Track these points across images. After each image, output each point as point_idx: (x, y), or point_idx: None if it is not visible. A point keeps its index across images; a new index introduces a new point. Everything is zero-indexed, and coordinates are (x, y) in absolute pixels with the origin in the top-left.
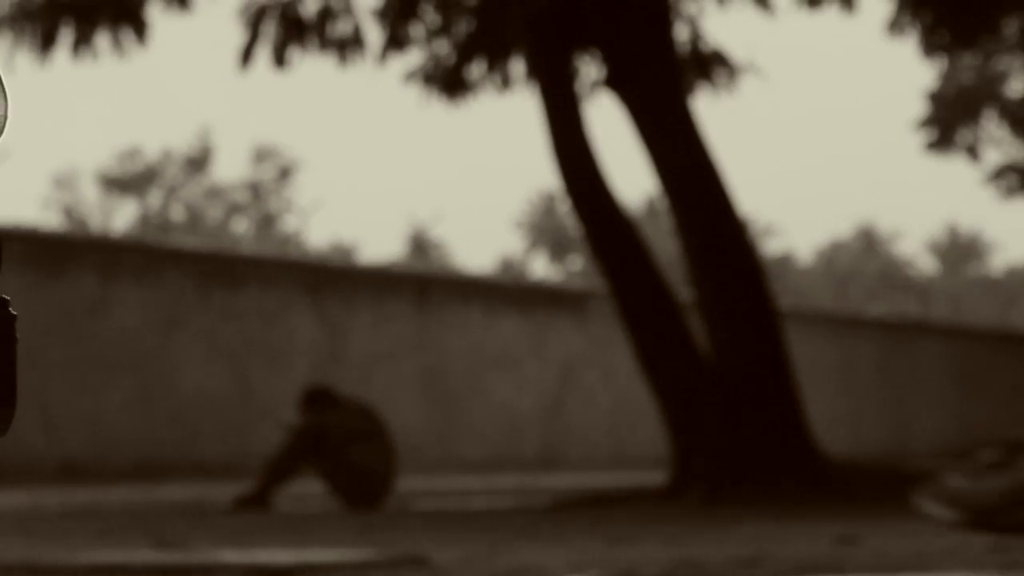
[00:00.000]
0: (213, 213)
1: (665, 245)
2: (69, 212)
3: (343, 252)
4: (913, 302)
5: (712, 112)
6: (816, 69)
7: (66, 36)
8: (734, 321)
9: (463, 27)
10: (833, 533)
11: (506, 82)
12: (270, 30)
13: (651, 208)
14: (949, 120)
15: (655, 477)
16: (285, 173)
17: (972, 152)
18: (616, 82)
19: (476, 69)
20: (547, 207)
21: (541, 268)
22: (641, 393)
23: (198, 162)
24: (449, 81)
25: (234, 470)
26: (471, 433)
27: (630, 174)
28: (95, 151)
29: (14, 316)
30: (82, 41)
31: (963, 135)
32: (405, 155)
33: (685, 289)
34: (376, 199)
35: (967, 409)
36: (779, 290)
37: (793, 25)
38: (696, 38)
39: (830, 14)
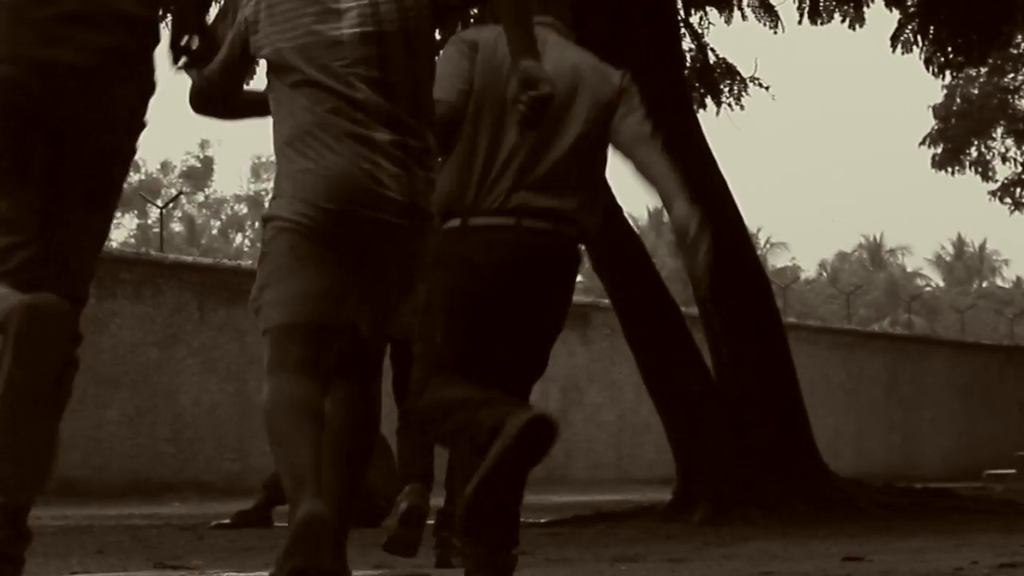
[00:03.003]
0: (212, 227)
1: (671, 258)
2: None
3: None
4: (920, 317)
5: (717, 124)
6: (822, 80)
7: None
8: (739, 336)
9: None
10: (840, 552)
11: None
12: None
13: (656, 219)
14: (957, 137)
15: (660, 494)
16: None
17: (981, 168)
18: None
19: None
20: None
21: None
22: (646, 409)
23: (198, 176)
24: None
25: (233, 487)
26: None
27: (634, 185)
28: None
29: None
30: None
31: (971, 152)
32: None
33: (690, 303)
34: None
35: (975, 425)
36: (783, 304)
37: (801, 36)
38: (702, 51)
39: (837, 27)
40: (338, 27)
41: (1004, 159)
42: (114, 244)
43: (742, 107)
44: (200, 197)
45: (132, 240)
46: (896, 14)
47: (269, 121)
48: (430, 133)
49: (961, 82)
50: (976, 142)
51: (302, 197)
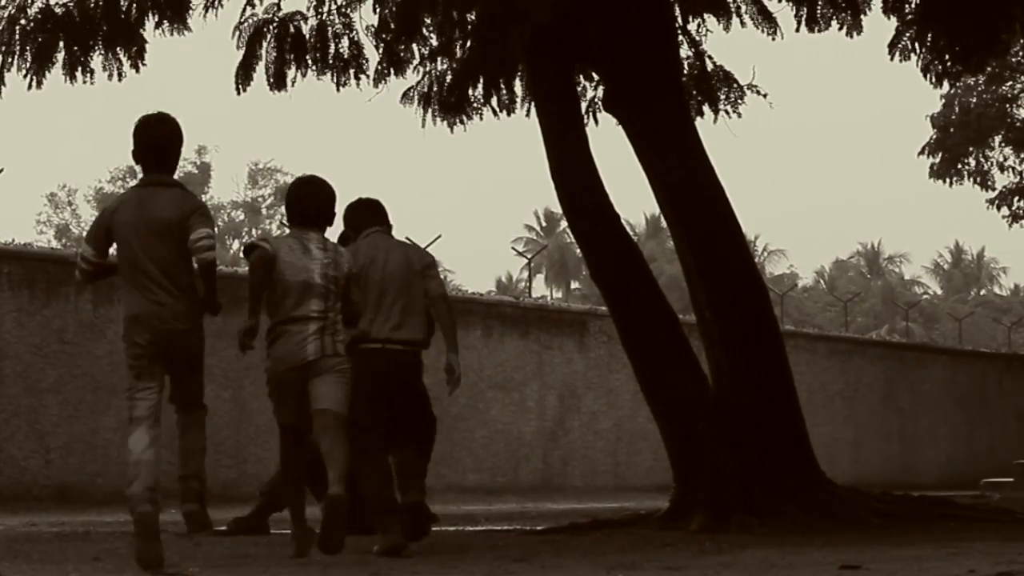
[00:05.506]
0: None
1: (669, 265)
2: (64, 232)
3: None
4: (918, 324)
5: (714, 131)
6: (820, 88)
7: (60, 56)
8: (737, 343)
9: (463, 47)
10: (837, 560)
11: (505, 102)
12: (267, 51)
13: (654, 226)
14: (956, 146)
15: (657, 502)
16: (283, 193)
17: (979, 178)
18: (616, 104)
19: (475, 89)
20: (548, 227)
21: (541, 289)
22: (643, 416)
23: (195, 182)
24: (447, 101)
25: (230, 494)
26: (471, 457)
27: (633, 191)
28: (90, 170)
29: None
30: (76, 61)
31: (970, 161)
32: (404, 174)
33: (688, 311)
34: None
35: (972, 433)
36: (781, 311)
37: (798, 44)
38: (699, 58)
39: (835, 34)
40: (312, 278)
41: (1002, 168)
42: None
43: (739, 115)
44: None
45: None
46: (894, 21)
47: (266, 126)
48: (339, 315)
49: (959, 91)
50: (974, 151)
51: (275, 365)
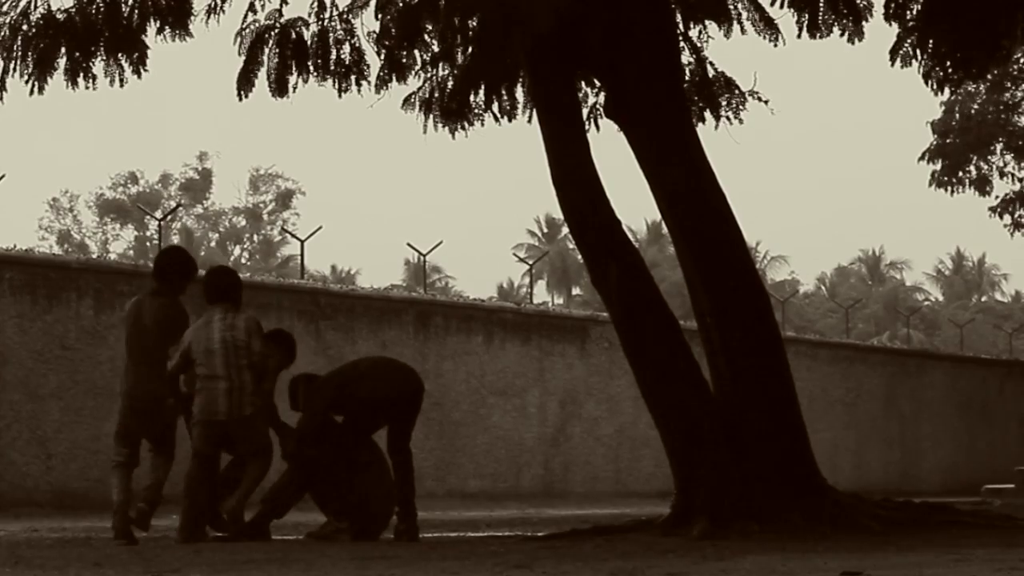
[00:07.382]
0: (211, 239)
1: (671, 271)
2: (66, 237)
3: (342, 279)
4: (919, 331)
5: (716, 137)
6: (822, 94)
7: (62, 61)
8: (738, 350)
9: (464, 53)
10: (838, 566)
11: (506, 108)
12: (269, 57)
13: (655, 232)
14: (956, 152)
15: (658, 508)
16: (284, 199)
17: (980, 186)
18: (617, 110)
19: (476, 95)
20: (549, 233)
21: (542, 295)
22: (644, 423)
23: (196, 188)
24: (447, 108)
25: None
26: (472, 462)
27: (634, 197)
28: (92, 176)
29: None
30: (78, 67)
31: (970, 169)
32: (405, 180)
33: (689, 317)
34: (376, 225)
35: (973, 439)
36: (782, 318)
37: (800, 50)
38: (700, 64)
39: (837, 41)
40: (212, 345)
41: (1002, 175)
42: (112, 256)
43: (741, 121)
44: (199, 209)
45: (131, 253)
46: (895, 28)
47: (268, 132)
48: (247, 377)
49: (960, 98)
50: (975, 158)
51: (200, 416)
